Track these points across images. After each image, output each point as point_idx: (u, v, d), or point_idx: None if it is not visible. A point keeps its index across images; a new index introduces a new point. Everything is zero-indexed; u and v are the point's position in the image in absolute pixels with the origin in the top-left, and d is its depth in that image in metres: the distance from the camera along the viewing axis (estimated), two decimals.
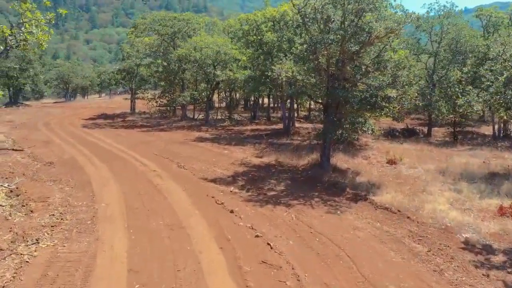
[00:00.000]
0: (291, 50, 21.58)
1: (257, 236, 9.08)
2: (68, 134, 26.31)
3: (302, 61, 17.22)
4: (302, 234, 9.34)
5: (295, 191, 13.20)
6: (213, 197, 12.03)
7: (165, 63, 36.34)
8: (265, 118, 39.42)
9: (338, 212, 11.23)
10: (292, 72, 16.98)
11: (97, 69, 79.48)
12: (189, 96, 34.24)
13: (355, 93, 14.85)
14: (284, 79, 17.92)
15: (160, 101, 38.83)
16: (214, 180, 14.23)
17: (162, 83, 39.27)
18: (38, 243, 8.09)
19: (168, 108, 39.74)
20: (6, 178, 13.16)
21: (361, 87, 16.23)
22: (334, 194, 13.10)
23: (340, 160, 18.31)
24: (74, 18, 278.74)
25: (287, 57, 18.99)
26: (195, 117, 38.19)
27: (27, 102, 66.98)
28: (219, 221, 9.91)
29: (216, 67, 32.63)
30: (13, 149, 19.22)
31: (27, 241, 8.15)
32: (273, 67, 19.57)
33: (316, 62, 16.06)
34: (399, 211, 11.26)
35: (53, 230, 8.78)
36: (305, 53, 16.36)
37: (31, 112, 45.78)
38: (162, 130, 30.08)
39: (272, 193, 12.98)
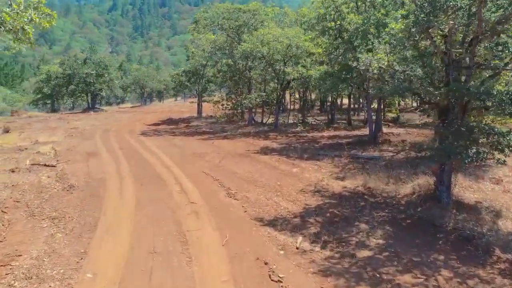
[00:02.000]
0: (381, 36, 16.12)
1: None
2: (119, 144, 23.54)
3: (403, 44, 11.86)
4: None
5: (402, 250, 8.02)
6: (266, 263, 7.36)
7: (231, 61, 32.57)
8: (344, 121, 33.83)
9: None
10: (388, 61, 11.89)
11: (173, 73, 79.53)
12: (256, 97, 29.99)
13: (499, 87, 9.20)
14: (375, 71, 12.77)
15: (226, 104, 35.29)
16: (273, 223, 9.56)
17: (229, 83, 35.63)
18: None
19: (235, 111, 36.09)
20: None
21: (504, 77, 10.46)
22: (472, 259, 7.67)
23: (460, 185, 12.52)
24: (157, 26, 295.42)
25: (379, 42, 13.71)
26: (264, 121, 33.93)
27: (105, 107, 68.61)
28: None
29: (287, 63, 27.99)
30: (45, 165, 16.46)
31: None
32: (359, 55, 14.42)
33: (429, 42, 10.69)
34: None
35: None
36: (410, 31, 10.99)
37: (101, 117, 45.29)
38: (225, 137, 26.23)
39: (365, 253, 7.94)
